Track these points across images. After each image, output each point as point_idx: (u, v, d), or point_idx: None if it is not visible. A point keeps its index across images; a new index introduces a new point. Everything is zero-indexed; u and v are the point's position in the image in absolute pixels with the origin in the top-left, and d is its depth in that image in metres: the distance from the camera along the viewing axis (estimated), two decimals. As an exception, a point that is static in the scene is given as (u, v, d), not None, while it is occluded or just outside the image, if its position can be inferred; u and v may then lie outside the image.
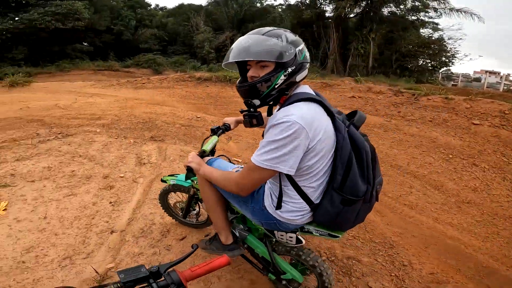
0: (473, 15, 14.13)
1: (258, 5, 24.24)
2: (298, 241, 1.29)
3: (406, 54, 16.84)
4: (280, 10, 24.78)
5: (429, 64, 17.87)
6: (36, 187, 2.67)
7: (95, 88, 7.60)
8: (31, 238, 2.04)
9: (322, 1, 18.27)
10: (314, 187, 1.11)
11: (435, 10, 15.15)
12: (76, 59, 18.19)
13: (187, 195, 1.94)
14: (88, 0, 18.26)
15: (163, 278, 0.68)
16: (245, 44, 1.05)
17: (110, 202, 2.52)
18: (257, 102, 1.09)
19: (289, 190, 1.14)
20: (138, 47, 22.60)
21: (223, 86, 7.38)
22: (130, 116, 5.06)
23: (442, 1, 14.62)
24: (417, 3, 15.46)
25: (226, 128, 1.64)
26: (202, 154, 1.43)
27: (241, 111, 1.19)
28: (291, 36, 1.07)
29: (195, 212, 2.07)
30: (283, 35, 1.05)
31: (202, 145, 1.49)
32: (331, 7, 17.43)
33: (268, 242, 1.44)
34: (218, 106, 6.21)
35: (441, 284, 1.94)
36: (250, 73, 1.09)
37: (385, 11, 16.09)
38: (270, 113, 1.17)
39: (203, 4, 26.45)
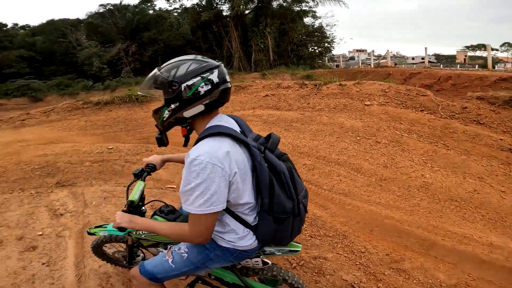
0: (339, 2, 16.71)
1: (151, 11, 22.72)
2: (265, 263, 1.36)
3: (299, 44, 18.69)
4: (176, 14, 23.83)
5: (317, 50, 20.33)
6: None
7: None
8: None
9: (218, 1, 18.39)
10: (247, 212, 1.18)
11: None
12: None
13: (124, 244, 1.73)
14: None
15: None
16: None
17: (43, 263, 2.20)
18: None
19: (228, 219, 1.17)
20: (1, 73, 18.40)
21: (131, 108, 6.68)
22: (19, 163, 4.09)
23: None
24: (298, -7, 17.10)
25: (151, 169, 1.52)
26: (130, 206, 1.30)
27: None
28: (182, 70, 1.08)
29: (140, 257, 1.87)
30: (173, 69, 1.10)
31: (127, 195, 1.34)
32: (227, 6, 17.73)
33: (235, 269, 1.45)
34: (131, 131, 5.58)
35: (399, 263, 2.25)
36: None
37: (275, 4, 17.21)
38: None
39: (81, 18, 23.61)
